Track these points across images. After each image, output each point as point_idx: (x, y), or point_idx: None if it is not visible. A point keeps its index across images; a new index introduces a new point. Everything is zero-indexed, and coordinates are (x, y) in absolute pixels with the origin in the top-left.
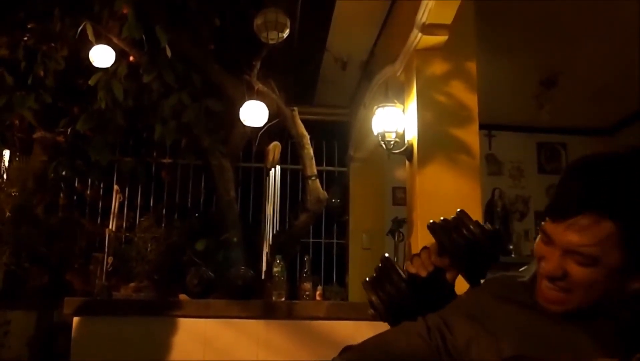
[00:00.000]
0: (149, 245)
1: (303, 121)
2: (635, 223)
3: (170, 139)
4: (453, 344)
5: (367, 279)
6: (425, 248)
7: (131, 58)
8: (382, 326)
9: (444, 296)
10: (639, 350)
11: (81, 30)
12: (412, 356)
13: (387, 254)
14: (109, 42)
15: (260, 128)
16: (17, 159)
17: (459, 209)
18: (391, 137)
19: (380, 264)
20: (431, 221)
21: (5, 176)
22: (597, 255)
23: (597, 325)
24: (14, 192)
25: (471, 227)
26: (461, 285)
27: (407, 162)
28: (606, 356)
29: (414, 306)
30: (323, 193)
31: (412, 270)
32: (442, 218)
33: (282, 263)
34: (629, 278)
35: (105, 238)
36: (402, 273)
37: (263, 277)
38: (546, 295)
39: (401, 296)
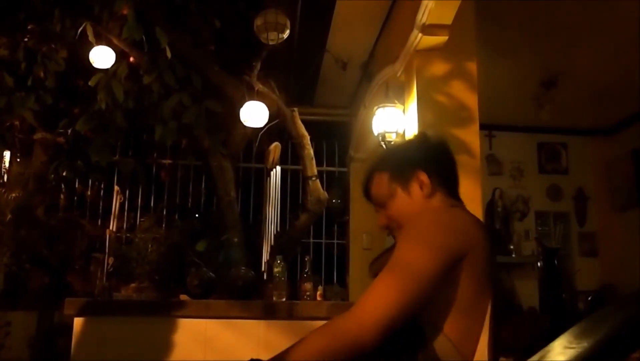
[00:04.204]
0: (150, 246)
1: (303, 121)
2: (384, 165)
3: (171, 140)
4: None
5: None
6: None
7: (131, 59)
8: None
9: None
10: (636, 347)
11: (81, 31)
12: None
13: None
14: (109, 43)
15: (261, 129)
16: (17, 160)
17: None
18: (392, 137)
19: None
20: None
21: (5, 177)
22: (381, 193)
23: None
24: (14, 193)
25: None
26: None
27: None
28: None
29: None
30: (323, 194)
31: None
32: None
33: (282, 263)
34: (407, 183)
35: (105, 238)
36: None
37: (264, 277)
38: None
39: None
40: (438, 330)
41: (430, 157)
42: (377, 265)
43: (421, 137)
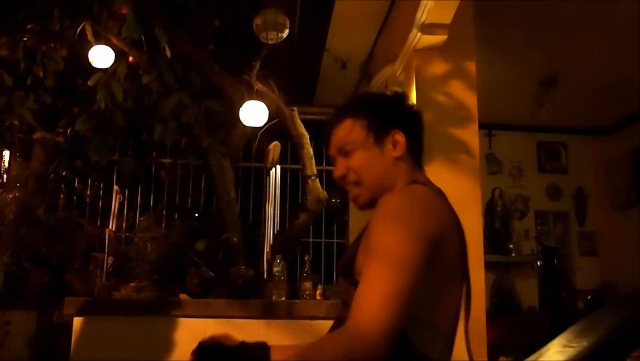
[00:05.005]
0: (149, 245)
1: (303, 120)
2: (363, 112)
3: (170, 139)
4: None
5: None
6: None
7: (130, 58)
8: None
9: None
10: (635, 346)
11: (80, 30)
12: None
13: None
14: (108, 43)
15: (260, 128)
16: (17, 159)
17: None
18: None
19: None
20: None
21: (5, 177)
22: (349, 140)
23: None
24: (14, 193)
25: None
26: None
27: None
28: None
29: None
30: (323, 193)
31: None
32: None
33: (282, 262)
34: (382, 139)
35: (105, 238)
36: None
37: (263, 277)
38: (352, 198)
39: None
40: (415, 319)
41: (409, 120)
42: (343, 261)
43: (402, 97)
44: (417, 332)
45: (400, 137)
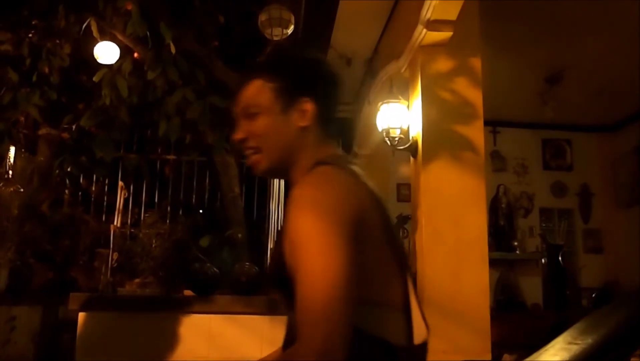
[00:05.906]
0: (154, 241)
1: None
2: (275, 75)
3: (175, 135)
4: None
5: None
6: None
7: (135, 55)
8: None
9: None
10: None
11: (85, 26)
12: None
13: None
14: (113, 39)
15: None
16: (22, 155)
17: None
18: (396, 133)
19: None
20: None
21: (10, 173)
22: (255, 103)
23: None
24: (19, 189)
25: None
26: None
27: (411, 158)
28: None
29: None
30: None
31: None
32: None
33: None
34: (291, 106)
35: (110, 234)
36: None
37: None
38: (251, 163)
39: None
40: (360, 302)
41: (324, 89)
42: (270, 271)
43: (320, 62)
44: (366, 315)
45: (309, 106)
